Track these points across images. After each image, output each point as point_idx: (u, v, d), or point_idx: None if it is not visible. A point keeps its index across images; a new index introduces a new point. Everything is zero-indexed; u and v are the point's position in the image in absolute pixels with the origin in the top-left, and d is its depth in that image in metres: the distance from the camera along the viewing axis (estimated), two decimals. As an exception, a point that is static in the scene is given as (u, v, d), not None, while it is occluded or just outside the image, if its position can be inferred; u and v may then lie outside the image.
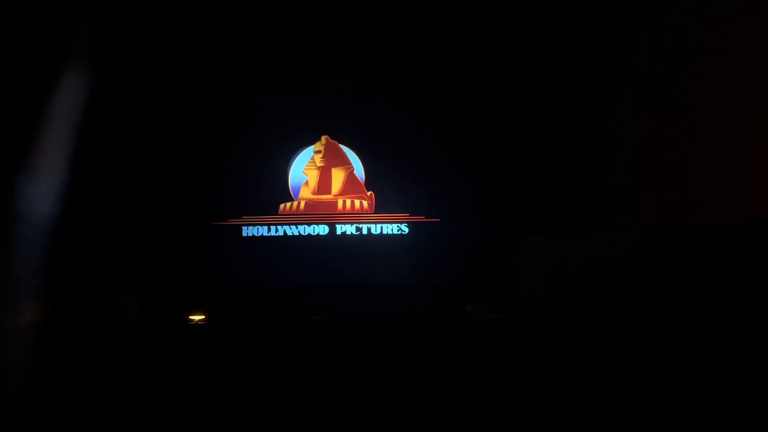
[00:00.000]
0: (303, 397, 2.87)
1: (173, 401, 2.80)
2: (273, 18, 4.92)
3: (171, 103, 5.10)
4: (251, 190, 5.30)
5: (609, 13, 4.72)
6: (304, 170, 5.38)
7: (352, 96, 5.35)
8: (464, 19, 4.96)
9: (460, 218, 5.20)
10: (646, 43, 4.64)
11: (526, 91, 5.00)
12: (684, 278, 3.12)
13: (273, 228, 5.28)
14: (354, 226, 5.31)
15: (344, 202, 5.36)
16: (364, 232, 5.31)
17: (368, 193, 5.37)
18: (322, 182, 5.38)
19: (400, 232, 5.30)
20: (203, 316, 4.22)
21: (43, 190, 2.62)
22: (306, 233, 5.30)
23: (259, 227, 5.27)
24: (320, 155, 5.36)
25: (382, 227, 5.31)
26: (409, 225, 5.30)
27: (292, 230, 5.29)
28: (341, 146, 5.40)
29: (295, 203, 5.35)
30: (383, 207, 5.35)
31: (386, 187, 5.36)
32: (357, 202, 5.35)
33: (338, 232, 5.31)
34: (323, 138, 5.38)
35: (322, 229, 5.31)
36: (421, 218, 5.29)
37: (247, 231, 5.26)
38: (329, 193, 5.39)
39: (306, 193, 5.38)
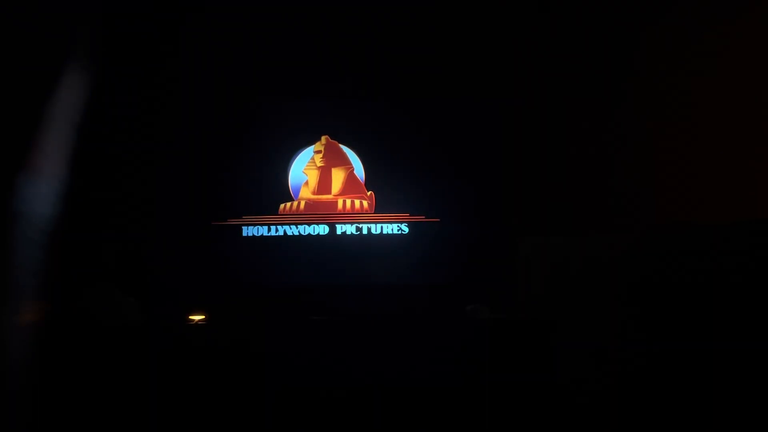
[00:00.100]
0: (303, 397, 2.87)
1: (173, 401, 2.80)
2: (273, 18, 4.92)
3: (171, 103, 5.10)
4: (251, 190, 5.29)
5: (609, 13, 4.71)
6: (304, 170, 5.38)
7: (352, 96, 5.34)
8: (464, 19, 4.96)
9: (460, 218, 5.19)
10: (646, 43, 4.64)
11: (526, 91, 4.99)
12: (684, 278, 3.12)
13: (273, 228, 5.28)
14: (354, 226, 5.31)
15: (344, 202, 5.36)
16: (364, 232, 5.31)
17: (368, 193, 5.37)
18: (322, 182, 5.38)
19: (400, 232, 5.30)
20: (203, 316, 4.21)
21: (43, 190, 2.62)
22: (306, 233, 5.29)
23: (259, 227, 5.27)
24: (320, 155, 5.36)
25: (382, 227, 5.30)
26: (409, 225, 5.30)
27: (292, 230, 5.29)
28: (341, 146, 5.40)
29: (295, 203, 5.35)
30: (383, 207, 5.34)
31: (386, 187, 5.36)
32: (357, 202, 5.35)
33: (338, 232, 5.30)
34: (323, 138, 5.37)
35: (322, 229, 5.31)
36: (421, 218, 5.29)
37: (247, 231, 5.26)
38: (329, 193, 5.39)
39: (306, 193, 5.38)
